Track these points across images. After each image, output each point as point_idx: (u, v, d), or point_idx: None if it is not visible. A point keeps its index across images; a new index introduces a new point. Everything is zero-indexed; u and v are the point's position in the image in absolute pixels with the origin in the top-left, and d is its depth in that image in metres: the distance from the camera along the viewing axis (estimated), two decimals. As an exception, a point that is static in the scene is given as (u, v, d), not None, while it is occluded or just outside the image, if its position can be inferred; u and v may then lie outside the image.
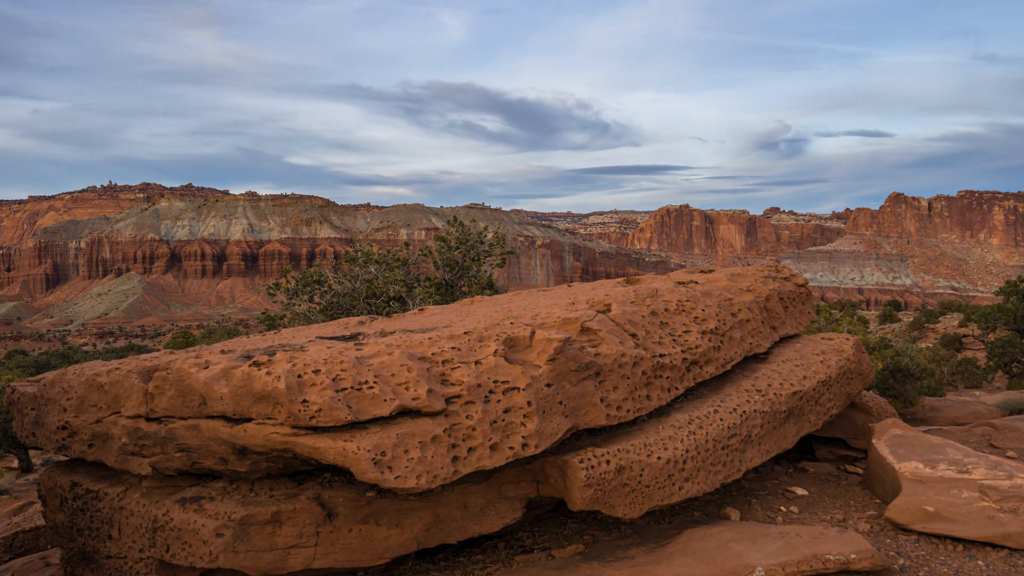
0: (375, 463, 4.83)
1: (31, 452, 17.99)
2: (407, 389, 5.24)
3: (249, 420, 5.16)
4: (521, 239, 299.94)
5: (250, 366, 5.15)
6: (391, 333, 6.31)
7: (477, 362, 5.58)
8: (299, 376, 5.06)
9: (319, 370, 5.13)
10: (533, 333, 5.99)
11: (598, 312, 6.67)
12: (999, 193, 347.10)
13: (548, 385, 5.67)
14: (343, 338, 6.31)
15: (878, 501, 7.21)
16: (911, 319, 59.12)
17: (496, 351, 5.68)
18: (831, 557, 5.29)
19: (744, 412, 6.71)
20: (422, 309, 9.11)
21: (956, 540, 6.13)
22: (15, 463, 17.96)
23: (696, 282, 8.16)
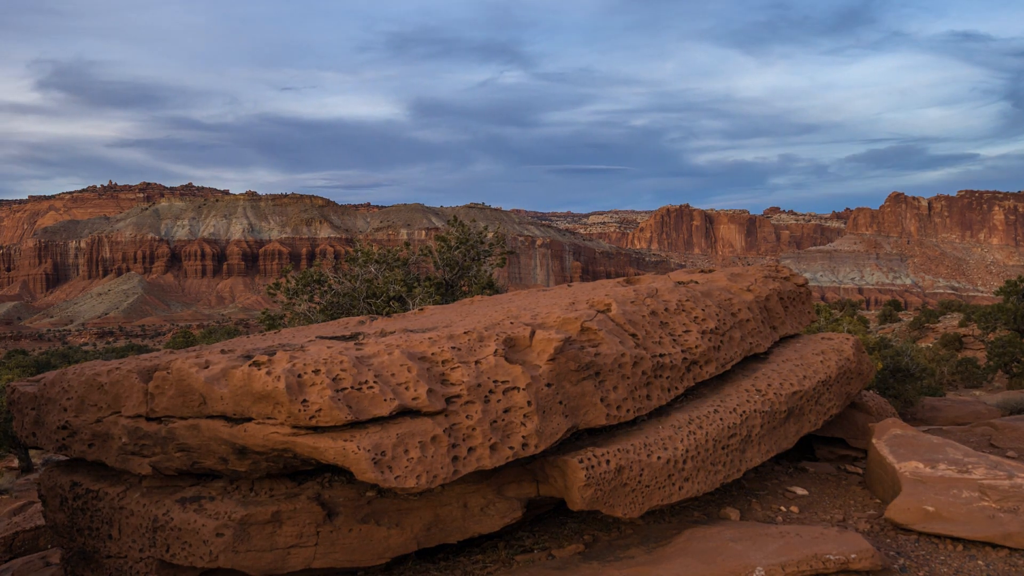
0: (375, 463, 4.83)
1: (31, 452, 18.00)
2: (407, 389, 5.24)
3: (249, 420, 5.16)
4: (521, 239, 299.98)
5: (250, 366, 5.16)
6: (391, 333, 6.31)
7: (477, 362, 5.58)
8: (299, 376, 5.07)
9: (319, 370, 5.13)
10: (533, 333, 5.99)
11: (598, 312, 6.67)
12: (999, 193, 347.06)
13: (548, 385, 5.67)
14: (343, 338, 6.30)
15: (878, 501, 7.20)
16: (911, 319, 59.10)
17: (496, 351, 5.68)
18: (831, 557, 5.29)
19: (744, 412, 6.71)
20: (422, 309, 9.11)
21: (956, 540, 6.13)
22: (15, 463, 17.96)
23: (696, 282, 8.16)
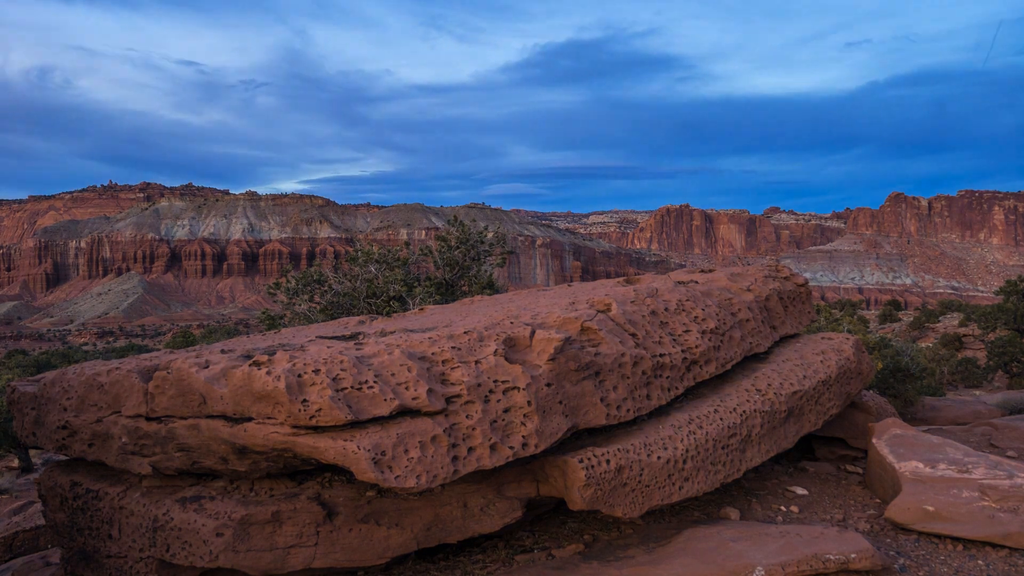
0: (375, 463, 4.83)
1: (31, 452, 18.00)
2: (407, 389, 5.24)
3: (249, 420, 5.16)
4: (521, 239, 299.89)
5: (250, 366, 5.15)
6: (391, 333, 6.30)
7: (477, 362, 5.58)
8: (299, 376, 5.06)
9: (319, 370, 5.13)
10: (533, 333, 5.99)
11: (598, 312, 6.67)
12: (999, 193, 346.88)
13: (548, 385, 5.67)
14: (343, 338, 6.30)
15: (878, 501, 7.21)
16: (911, 319, 59.11)
17: (496, 351, 5.68)
18: (831, 557, 5.29)
19: (744, 412, 6.71)
20: (422, 309, 9.11)
21: (956, 540, 6.13)
22: (15, 463, 17.96)
23: (696, 282, 8.16)
